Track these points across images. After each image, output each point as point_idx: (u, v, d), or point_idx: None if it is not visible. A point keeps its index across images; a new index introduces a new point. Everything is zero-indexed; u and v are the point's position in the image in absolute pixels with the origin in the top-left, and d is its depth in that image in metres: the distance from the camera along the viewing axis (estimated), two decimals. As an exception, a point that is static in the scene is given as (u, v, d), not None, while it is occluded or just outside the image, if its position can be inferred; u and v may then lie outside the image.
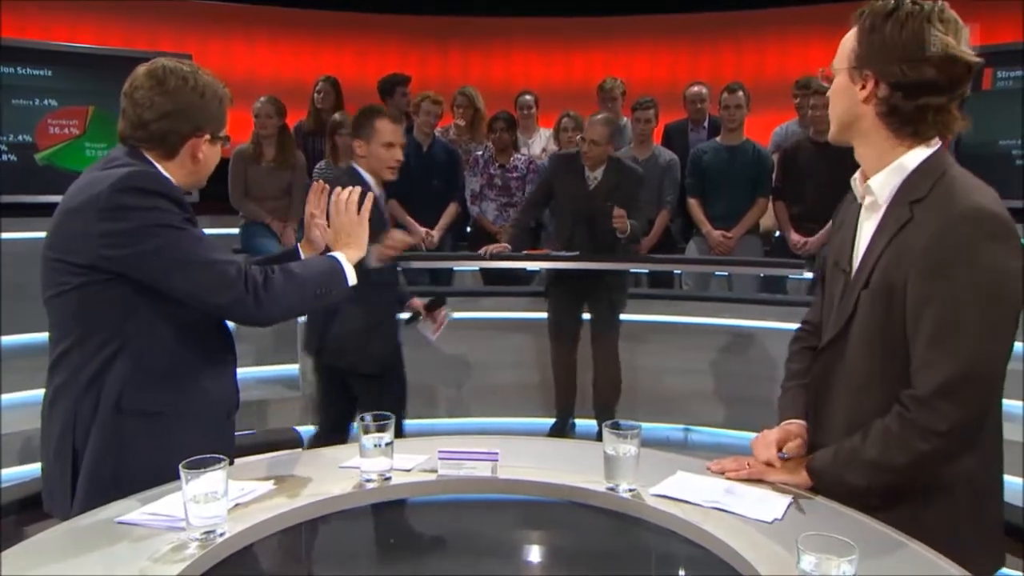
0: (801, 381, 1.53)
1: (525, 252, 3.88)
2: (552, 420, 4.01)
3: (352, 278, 1.69)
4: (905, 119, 1.31)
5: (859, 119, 1.35)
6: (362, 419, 1.48)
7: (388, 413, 1.50)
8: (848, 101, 1.35)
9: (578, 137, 3.80)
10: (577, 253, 3.71)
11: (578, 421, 4.04)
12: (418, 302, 3.02)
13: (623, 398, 3.95)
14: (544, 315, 3.95)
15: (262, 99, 4.29)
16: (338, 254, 1.71)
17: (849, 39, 1.35)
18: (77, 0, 5.56)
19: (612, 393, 3.88)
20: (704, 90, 4.83)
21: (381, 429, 1.47)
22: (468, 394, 4.04)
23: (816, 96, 3.90)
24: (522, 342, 4.12)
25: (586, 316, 3.87)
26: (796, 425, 1.48)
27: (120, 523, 1.29)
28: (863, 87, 1.32)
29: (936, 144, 1.33)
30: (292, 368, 4.14)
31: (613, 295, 3.83)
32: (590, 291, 3.80)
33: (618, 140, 4.82)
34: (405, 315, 3.01)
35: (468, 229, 4.73)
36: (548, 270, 3.90)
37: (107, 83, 5.01)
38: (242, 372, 4.14)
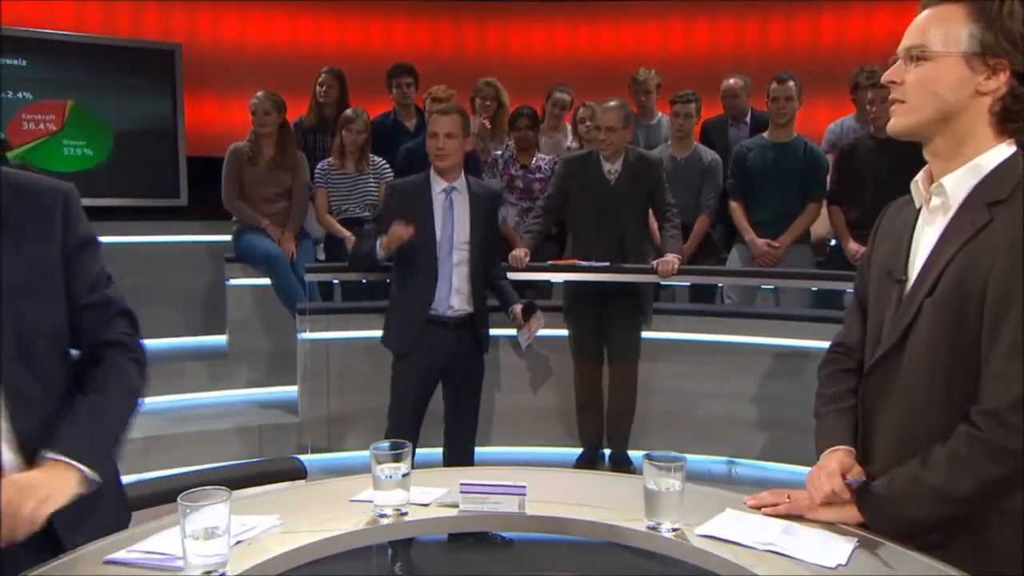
0: (840, 405, 1.52)
1: (550, 263, 3.90)
2: (579, 450, 4.02)
3: None
4: (1017, 114, 1.32)
5: (963, 112, 1.34)
6: (375, 448, 1.49)
7: (404, 442, 1.51)
8: (960, 92, 1.33)
9: (592, 127, 3.87)
10: (607, 264, 3.73)
11: (609, 452, 4.03)
12: (518, 308, 3.33)
13: (660, 426, 3.97)
14: (565, 332, 3.97)
15: (260, 95, 4.34)
16: None
17: (959, 20, 1.32)
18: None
19: (624, 419, 3.92)
20: (740, 82, 4.88)
21: (397, 459, 1.48)
22: (484, 421, 4.00)
23: (878, 89, 3.87)
24: (543, 363, 4.15)
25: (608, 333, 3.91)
26: (845, 451, 1.46)
27: (109, 562, 1.30)
28: (988, 76, 1.31)
29: (1012, 144, 1.34)
30: (291, 391, 4.19)
31: (637, 309, 3.86)
32: (613, 304, 3.83)
33: (655, 135, 4.90)
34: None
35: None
36: (569, 283, 3.93)
37: (87, 74, 5.12)
38: (237, 395, 4.30)
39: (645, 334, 3.96)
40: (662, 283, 4.02)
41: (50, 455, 1.32)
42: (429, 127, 3.20)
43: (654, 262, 3.73)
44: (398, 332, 3.25)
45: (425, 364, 3.23)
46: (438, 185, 3.19)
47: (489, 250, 3.33)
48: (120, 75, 5.19)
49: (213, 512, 1.25)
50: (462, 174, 3.25)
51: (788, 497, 1.48)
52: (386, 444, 1.50)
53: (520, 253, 3.74)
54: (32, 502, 1.26)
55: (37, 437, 1.36)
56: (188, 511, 1.23)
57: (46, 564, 1.29)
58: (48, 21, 5.29)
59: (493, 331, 3.50)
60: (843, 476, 1.42)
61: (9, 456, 1.34)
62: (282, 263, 4.24)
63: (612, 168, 3.77)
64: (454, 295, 3.19)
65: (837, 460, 1.44)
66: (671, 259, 3.71)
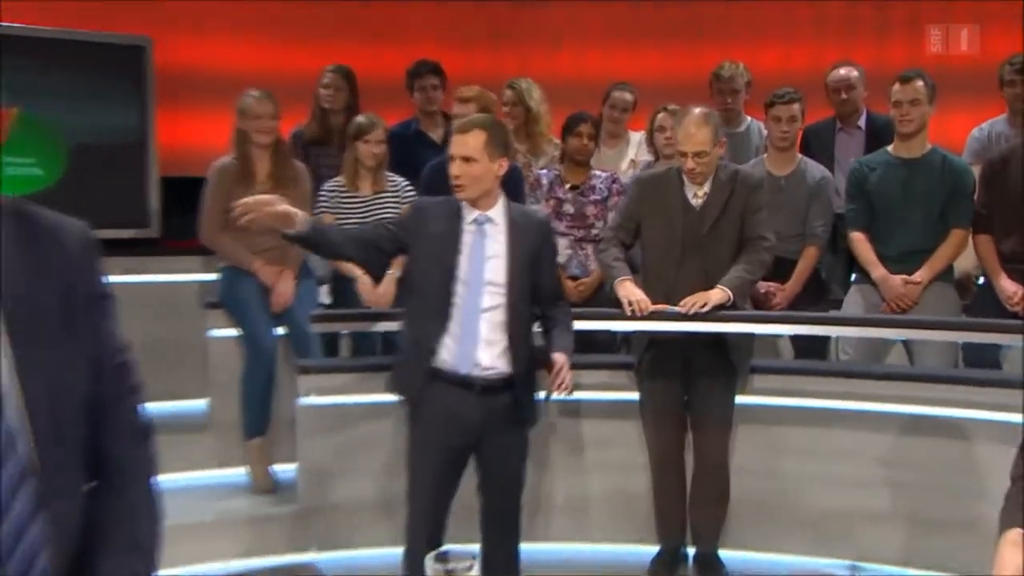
0: None
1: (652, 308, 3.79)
2: (655, 548, 3.95)
3: None
4: None
5: None
6: (438, 556, 1.50)
7: (466, 550, 1.53)
8: None
9: (674, 150, 3.86)
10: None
11: (694, 551, 3.94)
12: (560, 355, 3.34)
13: (759, 519, 3.91)
14: (635, 395, 3.93)
15: (254, 93, 4.32)
16: None
17: None
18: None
19: (714, 507, 3.86)
20: (854, 73, 4.84)
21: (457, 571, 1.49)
22: (532, 509, 3.93)
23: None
24: (607, 434, 4.10)
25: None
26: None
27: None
28: None
29: None
30: (289, 469, 4.17)
31: (729, 367, 3.81)
32: (700, 361, 3.79)
33: (743, 145, 4.88)
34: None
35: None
36: (639, 333, 3.89)
37: (35, 75, 5.11)
38: (220, 476, 4.28)
39: (739, 399, 3.90)
40: (757, 333, 3.98)
41: None
42: (449, 147, 3.26)
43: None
44: (398, 377, 3.37)
45: (445, 438, 3.22)
46: (468, 214, 3.24)
47: (546, 289, 3.36)
48: (76, 76, 5.22)
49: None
50: (500, 200, 3.28)
51: None
52: (445, 552, 1.52)
53: (638, 295, 3.71)
54: None
55: (75, 525, 1.45)
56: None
57: None
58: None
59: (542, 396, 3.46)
60: None
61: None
62: (259, 337, 4.21)
63: (699, 191, 3.74)
64: (483, 348, 3.18)
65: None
66: (711, 292, 3.63)
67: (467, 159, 3.16)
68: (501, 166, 3.23)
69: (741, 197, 3.73)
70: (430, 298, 3.22)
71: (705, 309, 3.62)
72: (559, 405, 3.96)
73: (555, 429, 4.06)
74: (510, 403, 3.25)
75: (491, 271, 3.21)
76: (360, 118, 4.48)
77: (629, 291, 3.75)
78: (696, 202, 3.73)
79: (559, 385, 3.28)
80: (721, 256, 3.74)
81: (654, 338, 3.83)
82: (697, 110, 3.72)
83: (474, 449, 3.28)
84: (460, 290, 3.18)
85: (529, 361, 3.32)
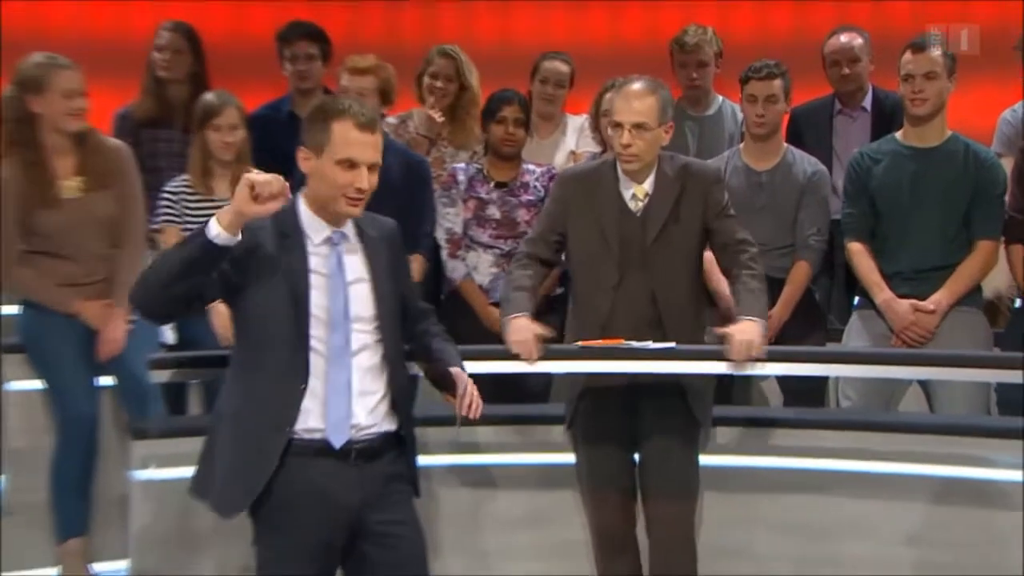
0: None
1: (580, 345, 3.74)
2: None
3: None
4: None
5: None
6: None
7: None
8: None
9: (608, 124, 3.85)
10: (671, 346, 3.57)
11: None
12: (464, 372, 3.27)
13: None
14: (571, 458, 3.88)
15: (59, 60, 4.05)
16: None
17: None
18: None
19: None
20: (858, 40, 4.90)
21: None
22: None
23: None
24: (535, 508, 4.07)
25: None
26: None
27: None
28: None
29: None
30: (116, 571, 4.11)
31: (687, 417, 3.74)
32: (649, 411, 3.73)
33: (713, 132, 4.79)
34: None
35: (442, 296, 4.75)
36: (573, 378, 3.83)
37: None
38: None
39: (705, 459, 3.84)
40: (735, 374, 3.88)
41: None
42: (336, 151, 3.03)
43: (719, 331, 3.55)
44: (229, 478, 3.07)
45: (315, 531, 3.03)
46: (317, 232, 3.06)
47: (412, 308, 3.30)
48: None
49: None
50: None
51: None
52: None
53: (527, 336, 3.55)
54: None
55: None
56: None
57: None
58: None
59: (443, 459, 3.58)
60: None
61: None
62: (75, 403, 4.10)
63: (638, 189, 3.65)
64: (357, 402, 3.03)
65: None
66: (750, 328, 3.51)
67: (373, 167, 3.01)
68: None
69: (696, 195, 3.66)
70: (278, 348, 2.99)
71: (763, 355, 3.51)
72: (470, 473, 4.01)
73: (468, 504, 4.04)
74: (393, 469, 3.12)
75: (356, 303, 3.06)
76: (208, 96, 4.42)
77: (515, 329, 3.60)
78: (636, 205, 3.66)
79: (469, 405, 3.15)
80: (673, 275, 3.67)
81: (590, 383, 3.73)
82: (639, 81, 3.67)
83: (353, 536, 3.07)
84: (319, 333, 3.01)
85: (411, 410, 3.25)
